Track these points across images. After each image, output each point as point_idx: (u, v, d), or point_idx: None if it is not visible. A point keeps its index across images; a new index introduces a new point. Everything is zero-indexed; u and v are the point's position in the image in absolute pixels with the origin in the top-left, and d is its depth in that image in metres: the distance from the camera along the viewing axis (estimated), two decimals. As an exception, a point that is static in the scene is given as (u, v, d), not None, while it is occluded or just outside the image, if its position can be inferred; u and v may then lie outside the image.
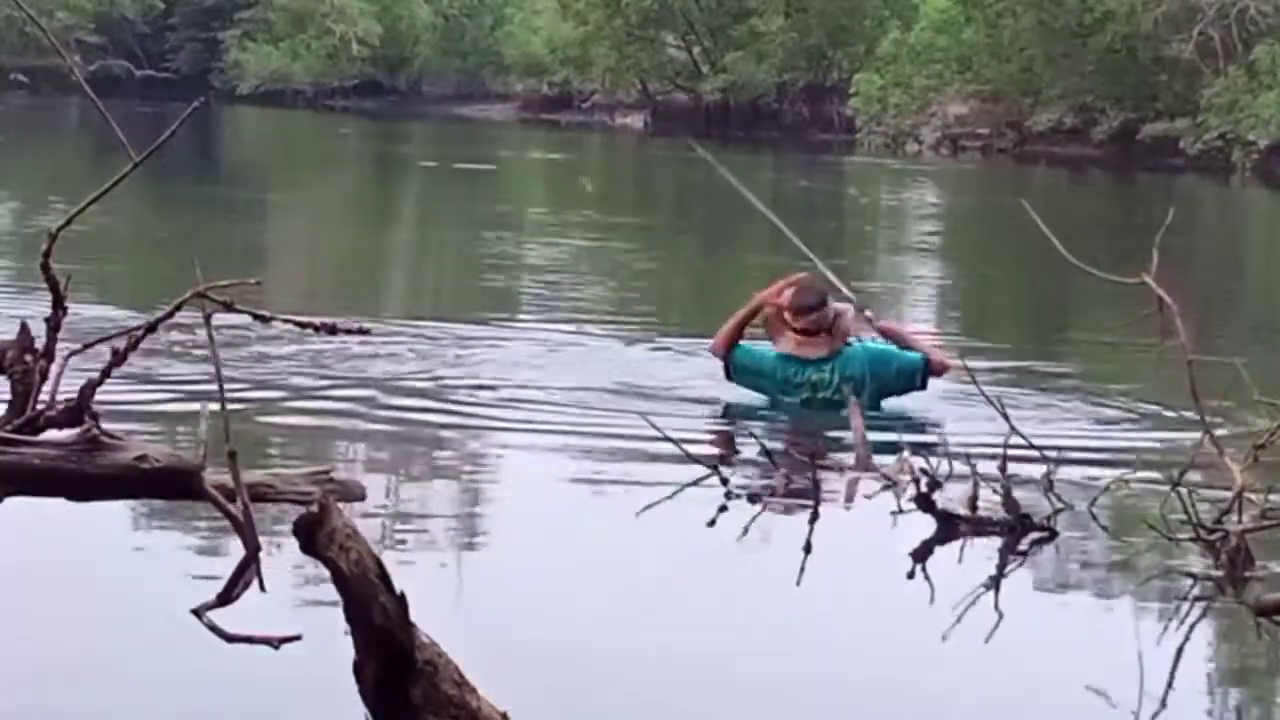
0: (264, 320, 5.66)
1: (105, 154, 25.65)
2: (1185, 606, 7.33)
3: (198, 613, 4.55)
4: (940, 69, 58.59)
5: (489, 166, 42.71)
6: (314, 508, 4.58)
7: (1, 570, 6.87)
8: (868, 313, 11.76)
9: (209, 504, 4.76)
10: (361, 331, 6.51)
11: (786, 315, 11.14)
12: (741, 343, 11.30)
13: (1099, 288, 9.40)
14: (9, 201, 24.79)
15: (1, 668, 5.91)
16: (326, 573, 4.58)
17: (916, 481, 8.34)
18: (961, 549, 7.99)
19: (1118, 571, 7.84)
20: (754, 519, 8.37)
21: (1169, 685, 6.32)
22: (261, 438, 9.33)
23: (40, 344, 5.76)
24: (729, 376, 11.34)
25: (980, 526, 8.13)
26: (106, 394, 5.18)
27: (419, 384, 11.54)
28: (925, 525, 8.14)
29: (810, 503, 8.48)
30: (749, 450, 9.18)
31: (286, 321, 5.72)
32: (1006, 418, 9.60)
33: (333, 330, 5.72)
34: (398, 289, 19.43)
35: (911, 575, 7.76)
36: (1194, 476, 8.27)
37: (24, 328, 5.81)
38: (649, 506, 8.51)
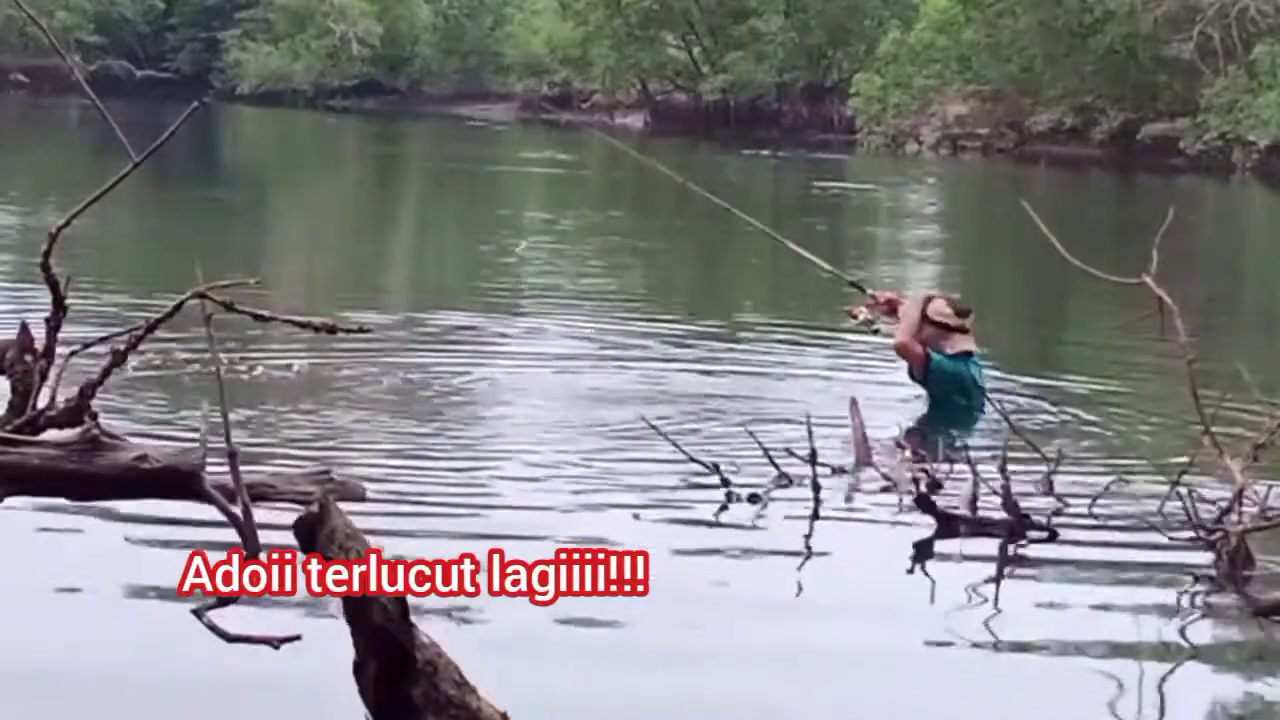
0: (263, 320, 5.67)
1: (105, 154, 25.65)
2: (1185, 606, 7.33)
3: (198, 613, 4.56)
4: (940, 69, 58.56)
5: (489, 167, 42.72)
6: (314, 508, 4.58)
7: (0, 570, 6.87)
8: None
9: (209, 504, 4.76)
10: (361, 331, 6.52)
11: (950, 318, 11.26)
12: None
13: (1099, 288, 9.40)
14: (8, 201, 24.78)
15: (0, 667, 5.91)
16: (326, 573, 4.58)
17: (916, 481, 8.34)
18: (961, 549, 7.98)
19: (1118, 571, 7.83)
20: (754, 519, 8.36)
21: (1169, 685, 6.31)
22: (262, 438, 9.32)
23: (40, 344, 5.76)
24: (919, 376, 11.32)
25: (980, 526, 8.12)
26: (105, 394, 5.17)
27: (418, 382, 11.54)
28: (925, 525, 8.14)
29: (810, 503, 8.47)
30: (749, 450, 9.17)
31: (286, 321, 5.73)
32: (1006, 418, 9.62)
33: (332, 330, 5.72)
34: (397, 288, 19.42)
35: (911, 575, 7.76)
36: (1194, 476, 8.27)
37: (24, 328, 5.81)
38: (649, 506, 8.51)
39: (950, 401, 11.12)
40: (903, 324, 11.35)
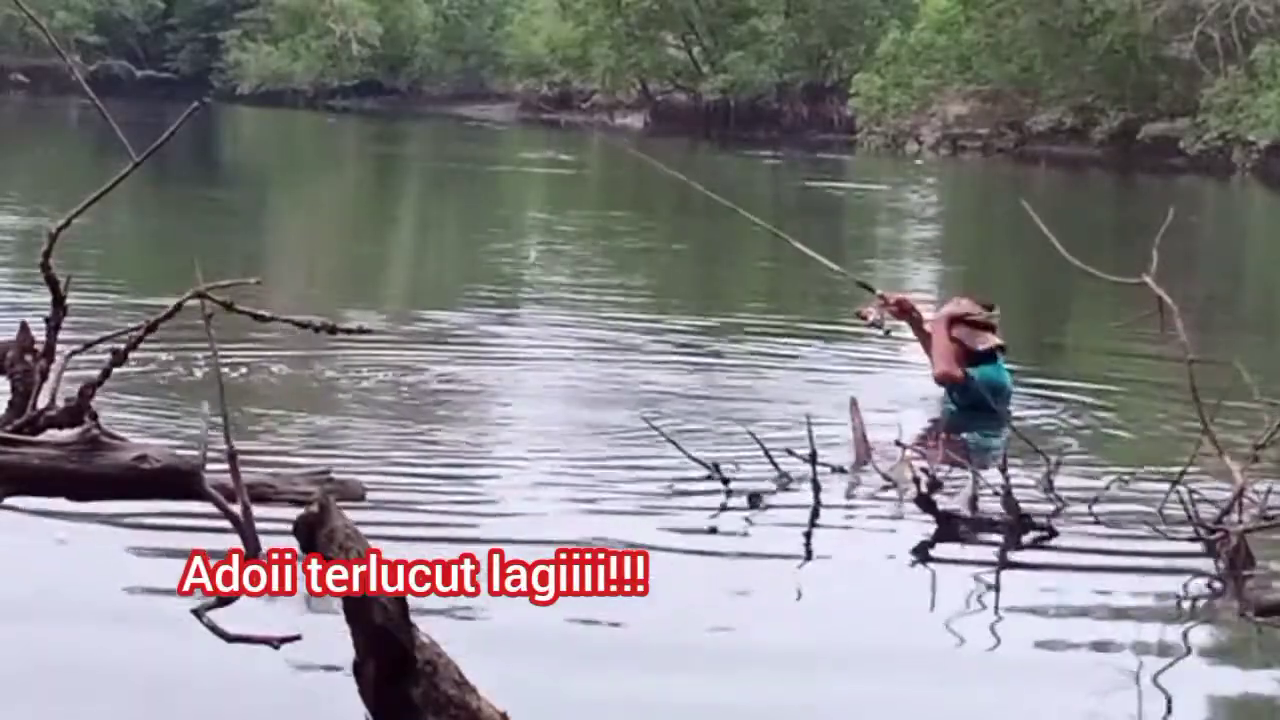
0: (263, 320, 5.67)
1: (105, 154, 25.66)
2: (1185, 606, 7.33)
3: (198, 613, 4.56)
4: (940, 69, 58.62)
5: (489, 167, 42.72)
6: (314, 508, 4.58)
7: None
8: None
9: (209, 504, 4.76)
10: (360, 331, 6.52)
11: (979, 312, 11.18)
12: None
13: (1099, 288, 9.40)
14: (9, 201, 24.78)
15: (0, 667, 5.91)
16: (326, 573, 4.57)
17: (916, 481, 8.33)
18: (961, 549, 7.98)
19: (1117, 571, 7.82)
20: (754, 519, 8.36)
21: (1169, 685, 6.31)
22: (260, 438, 9.32)
23: (40, 344, 5.76)
24: (956, 394, 11.18)
25: (980, 526, 8.12)
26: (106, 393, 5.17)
27: (418, 381, 11.54)
28: (925, 525, 8.13)
29: (810, 503, 8.47)
30: (749, 450, 9.17)
31: (286, 321, 5.73)
32: (1006, 418, 9.61)
33: (332, 330, 5.73)
34: (396, 288, 19.43)
35: (912, 575, 7.75)
36: (1194, 476, 8.26)
37: (24, 328, 5.82)
38: (648, 506, 8.51)
39: (978, 406, 11.04)
40: (936, 353, 11.22)
